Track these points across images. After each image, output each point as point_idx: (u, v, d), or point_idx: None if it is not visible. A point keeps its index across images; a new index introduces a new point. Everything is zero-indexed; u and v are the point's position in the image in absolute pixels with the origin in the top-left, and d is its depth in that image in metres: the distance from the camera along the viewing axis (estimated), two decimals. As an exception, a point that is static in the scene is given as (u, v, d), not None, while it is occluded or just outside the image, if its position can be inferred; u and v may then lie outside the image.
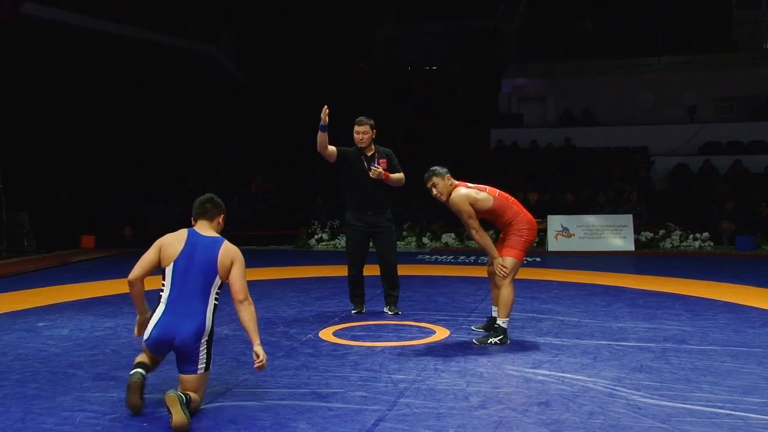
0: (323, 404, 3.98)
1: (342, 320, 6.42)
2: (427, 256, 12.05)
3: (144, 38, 17.35)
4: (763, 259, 11.77)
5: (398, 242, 14.30)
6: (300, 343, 5.52)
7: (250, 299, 4.12)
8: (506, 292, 5.46)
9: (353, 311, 6.80)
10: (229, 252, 4.15)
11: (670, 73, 19.57)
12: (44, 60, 15.70)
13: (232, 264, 4.11)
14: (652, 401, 3.99)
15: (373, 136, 6.73)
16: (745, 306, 7.04)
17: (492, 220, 5.73)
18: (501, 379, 4.47)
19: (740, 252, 12.64)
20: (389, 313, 6.71)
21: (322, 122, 6.36)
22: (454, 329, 5.98)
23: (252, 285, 8.10)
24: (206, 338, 3.97)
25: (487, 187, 5.67)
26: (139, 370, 3.93)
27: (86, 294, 8.15)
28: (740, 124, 18.13)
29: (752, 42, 19.62)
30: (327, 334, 5.85)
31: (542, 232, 13.48)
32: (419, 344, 5.48)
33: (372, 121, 6.73)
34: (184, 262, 4.14)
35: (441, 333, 5.86)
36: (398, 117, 19.52)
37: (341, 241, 14.00)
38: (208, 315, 4.01)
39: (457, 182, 5.64)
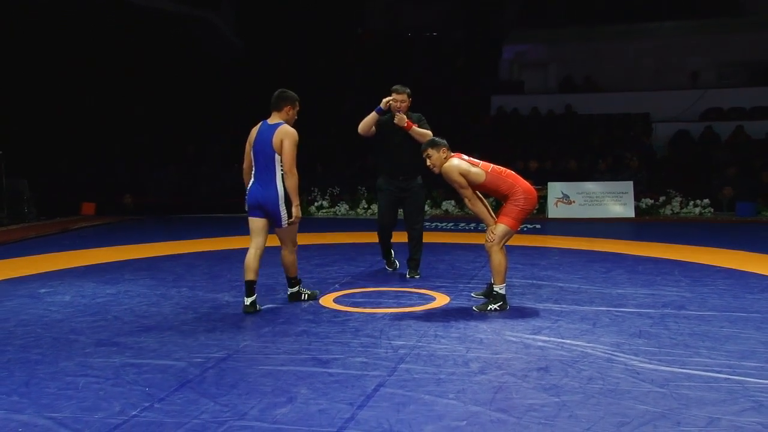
0: (324, 370, 4.01)
1: (342, 287, 6.45)
2: (427, 223, 12.04)
3: (144, 4, 17.16)
4: (763, 225, 11.79)
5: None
6: (301, 310, 5.55)
7: (294, 171, 5.34)
8: (496, 258, 5.48)
9: (389, 269, 7.25)
10: (280, 132, 5.34)
11: (672, 39, 19.38)
12: (43, 27, 15.54)
13: (281, 142, 5.30)
14: (651, 366, 4.02)
15: (409, 105, 6.87)
16: (744, 272, 7.06)
17: (489, 194, 5.75)
18: (501, 345, 4.49)
19: (740, 218, 12.66)
20: (410, 276, 6.89)
21: (381, 106, 6.70)
22: (454, 296, 6.01)
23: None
24: (282, 201, 5.36)
25: (481, 162, 5.66)
26: (250, 299, 5.43)
27: (87, 261, 8.18)
28: (743, 90, 18.01)
29: (756, 7, 19.43)
30: (327, 300, 5.88)
31: (543, 199, 13.49)
32: (419, 311, 5.51)
33: (408, 90, 6.89)
34: (257, 145, 5.42)
35: (441, 299, 5.88)
36: (400, 84, 19.40)
37: (341, 209, 14.02)
38: (278, 184, 5.36)
39: (453, 154, 5.62)
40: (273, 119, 5.48)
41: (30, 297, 6.14)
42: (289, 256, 5.70)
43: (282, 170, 5.35)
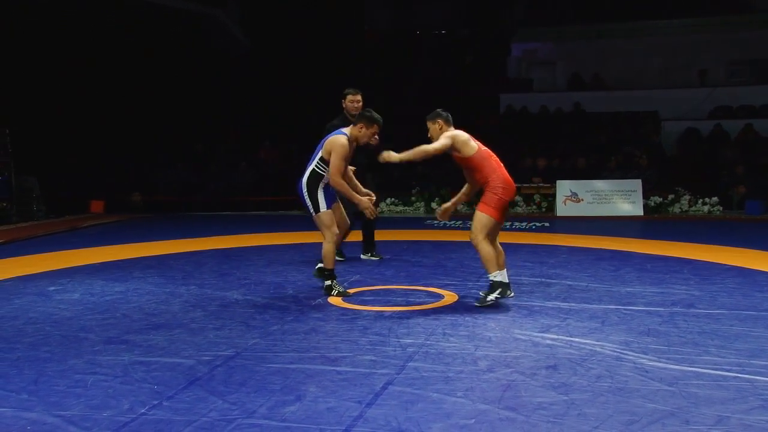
0: (332, 368, 4.01)
1: (351, 285, 6.45)
2: (435, 222, 12.04)
3: (151, 1, 17.20)
4: (772, 223, 11.72)
5: (407, 207, 14.37)
6: (309, 308, 5.56)
7: (336, 180, 5.74)
8: (482, 250, 5.46)
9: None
10: (331, 140, 5.82)
11: (681, 36, 19.30)
12: (52, 25, 15.60)
13: (331, 148, 5.76)
14: (660, 364, 4.01)
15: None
16: (754, 270, 7.03)
17: (470, 174, 5.69)
18: (509, 343, 4.49)
19: (750, 216, 12.60)
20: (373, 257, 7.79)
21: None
22: (462, 294, 6.00)
23: (261, 250, 8.16)
24: (305, 190, 5.83)
25: (478, 143, 5.69)
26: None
27: (96, 258, 8.20)
28: (752, 88, 17.93)
29: (765, 4, 19.34)
30: (336, 298, 5.88)
31: (551, 197, 13.47)
32: (428, 308, 5.50)
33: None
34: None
35: (449, 297, 5.88)
36: (407, 82, 19.37)
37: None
38: (305, 174, 5.85)
39: (455, 130, 5.66)
40: (347, 129, 5.94)
41: (39, 295, 6.17)
42: (323, 245, 5.92)
43: (318, 168, 5.83)
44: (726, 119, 16.87)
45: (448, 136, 5.60)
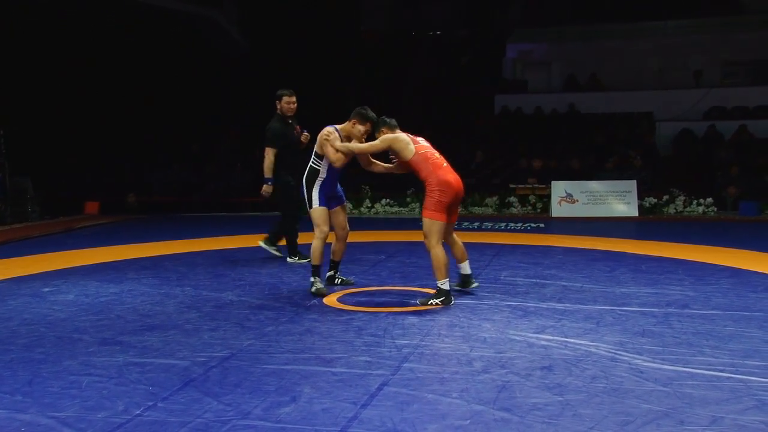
0: (327, 369, 4.01)
1: (346, 286, 6.44)
2: (430, 222, 12.04)
3: (147, 2, 17.16)
4: (766, 223, 11.76)
5: (402, 209, 14.38)
6: (304, 309, 5.55)
7: (338, 161, 5.93)
8: (434, 254, 5.59)
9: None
10: (320, 134, 5.98)
11: (675, 38, 19.36)
12: (46, 25, 15.55)
13: (321, 142, 5.96)
14: (654, 365, 4.02)
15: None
16: (748, 271, 7.05)
17: (414, 175, 5.85)
18: (504, 344, 4.49)
19: (744, 217, 12.64)
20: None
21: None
22: (457, 295, 6.00)
23: (256, 251, 8.14)
24: (305, 186, 6.02)
25: (421, 141, 5.85)
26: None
27: (91, 260, 8.18)
28: (746, 89, 17.99)
29: (759, 5, 19.42)
30: (331, 299, 5.88)
31: (546, 198, 13.49)
32: (423, 310, 5.50)
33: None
34: None
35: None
36: (403, 82, 19.38)
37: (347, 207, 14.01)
38: (305, 172, 6.06)
39: (397, 133, 5.83)
40: (340, 125, 6.06)
41: (33, 296, 6.15)
42: (313, 241, 6.05)
43: (314, 164, 6.05)
44: (720, 120, 16.92)
45: (382, 139, 5.82)
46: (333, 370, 3.99)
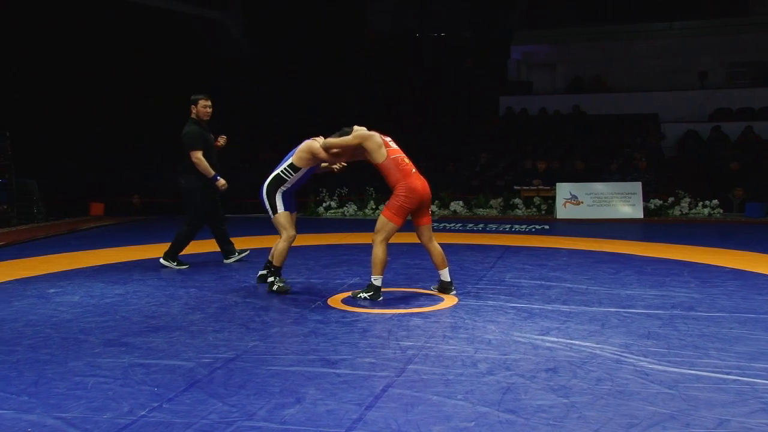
0: (332, 370, 4.01)
1: (351, 288, 6.44)
2: (435, 224, 12.03)
3: (152, 5, 17.21)
4: (772, 226, 11.72)
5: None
6: (309, 310, 5.55)
7: (331, 157, 6.08)
8: (376, 251, 5.76)
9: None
10: (307, 147, 6.13)
11: (680, 39, 19.33)
12: (52, 27, 15.61)
13: (310, 153, 6.09)
14: (660, 367, 4.00)
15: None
16: (754, 273, 7.03)
17: (385, 178, 5.95)
18: (509, 346, 4.48)
19: (750, 219, 12.60)
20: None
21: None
22: (462, 297, 6.00)
23: (260, 253, 8.15)
24: (265, 193, 6.16)
25: (392, 144, 5.94)
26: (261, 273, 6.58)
27: (96, 261, 8.20)
28: (752, 90, 17.94)
29: (764, 6, 19.38)
30: (336, 301, 5.88)
31: (551, 200, 13.48)
32: (427, 311, 5.50)
33: None
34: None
35: (449, 300, 5.87)
36: (407, 84, 19.37)
37: (350, 209, 14.02)
38: (267, 179, 6.18)
39: (371, 132, 5.93)
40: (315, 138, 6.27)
41: (39, 297, 6.17)
42: (278, 243, 6.25)
43: (283, 174, 6.19)
44: (726, 121, 16.87)
45: (360, 136, 5.91)
46: (337, 371, 3.99)
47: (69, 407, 3.50)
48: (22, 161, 12.81)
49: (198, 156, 7.47)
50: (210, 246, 9.42)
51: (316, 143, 6.12)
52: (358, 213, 14.06)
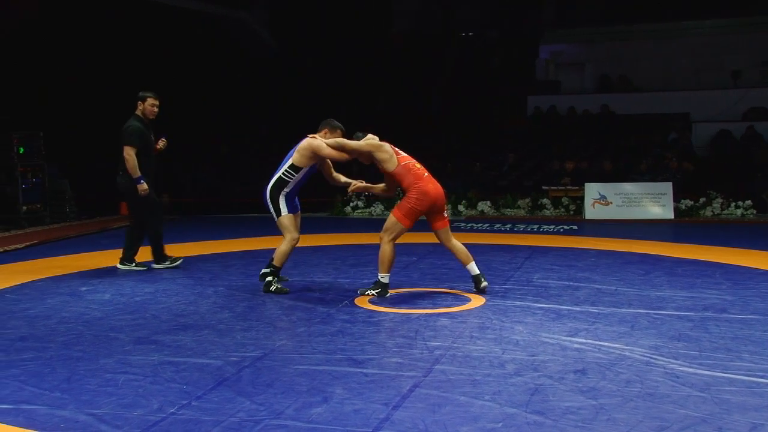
0: (359, 370, 4.02)
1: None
2: (462, 224, 12.01)
3: (178, 5, 17.37)
4: (807, 227, 11.49)
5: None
6: (336, 310, 5.57)
7: (336, 154, 6.08)
8: (384, 249, 5.84)
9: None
10: (307, 145, 6.09)
11: (712, 37, 19.00)
12: (80, 28, 15.82)
13: (312, 150, 6.06)
14: (691, 370, 3.95)
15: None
16: (788, 275, 6.90)
17: (391, 183, 6.12)
18: (537, 347, 4.45)
19: (784, 220, 12.36)
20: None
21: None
22: (489, 297, 5.97)
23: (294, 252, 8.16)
24: (268, 196, 6.14)
25: (401, 152, 6.01)
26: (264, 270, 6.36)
27: (126, 260, 8.28)
28: (787, 89, 17.59)
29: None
30: (362, 300, 5.89)
31: (579, 200, 13.36)
32: (454, 311, 5.49)
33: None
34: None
35: (476, 300, 5.85)
36: (434, 84, 19.34)
37: (377, 209, 14.03)
38: (271, 182, 6.16)
39: (382, 143, 6.01)
40: (314, 135, 6.24)
41: (71, 295, 6.26)
42: (281, 245, 6.23)
43: (284, 175, 6.15)
44: (760, 121, 16.57)
45: (371, 145, 5.98)
46: (365, 371, 4.00)
47: (100, 404, 3.55)
48: (55, 161, 13.03)
49: (129, 152, 7.24)
50: (236, 245, 9.50)
51: (316, 141, 6.12)
52: (386, 213, 14.05)
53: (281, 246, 6.20)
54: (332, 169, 6.56)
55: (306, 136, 6.25)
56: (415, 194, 5.79)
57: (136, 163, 7.29)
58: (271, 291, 6.20)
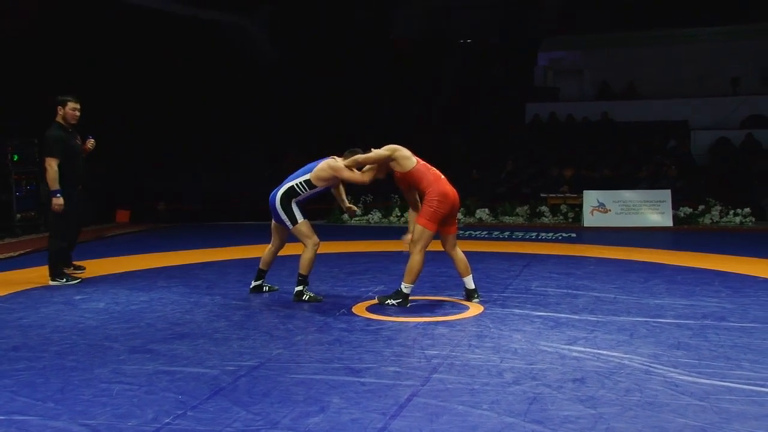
0: (356, 379, 3.98)
1: (375, 295, 6.42)
2: (460, 232, 11.97)
3: (177, 12, 17.38)
4: (806, 235, 11.48)
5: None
6: (333, 318, 5.54)
7: (360, 177, 6.03)
8: (414, 259, 5.78)
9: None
10: (326, 166, 6.03)
11: (712, 44, 19.04)
12: (79, 36, 15.81)
13: (331, 172, 6.01)
14: (690, 378, 3.92)
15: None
16: (788, 283, 6.88)
17: (413, 187, 5.98)
18: (535, 356, 4.42)
19: (783, 228, 12.34)
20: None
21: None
22: (487, 305, 5.94)
23: (285, 260, 8.16)
24: (278, 205, 6.08)
25: (417, 158, 5.98)
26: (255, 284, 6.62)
27: (121, 268, 8.27)
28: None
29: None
30: (360, 309, 5.86)
31: (578, 208, 13.34)
32: (453, 320, 5.46)
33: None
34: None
35: (474, 309, 5.82)
36: (434, 91, 19.35)
37: (374, 217, 14.00)
38: (281, 189, 6.10)
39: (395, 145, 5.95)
40: (332, 157, 6.22)
41: (65, 304, 6.22)
42: (304, 253, 6.19)
43: (298, 188, 6.07)
44: (758, 129, 16.59)
45: (390, 147, 5.93)
46: (362, 380, 3.97)
47: (94, 414, 3.51)
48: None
49: (51, 164, 6.97)
50: (235, 253, 9.47)
51: (337, 162, 6.04)
52: (383, 220, 14.03)
53: (304, 254, 6.13)
54: (344, 194, 6.61)
55: (329, 156, 6.19)
56: (435, 196, 5.73)
57: (57, 176, 7.00)
58: (303, 300, 6.14)
